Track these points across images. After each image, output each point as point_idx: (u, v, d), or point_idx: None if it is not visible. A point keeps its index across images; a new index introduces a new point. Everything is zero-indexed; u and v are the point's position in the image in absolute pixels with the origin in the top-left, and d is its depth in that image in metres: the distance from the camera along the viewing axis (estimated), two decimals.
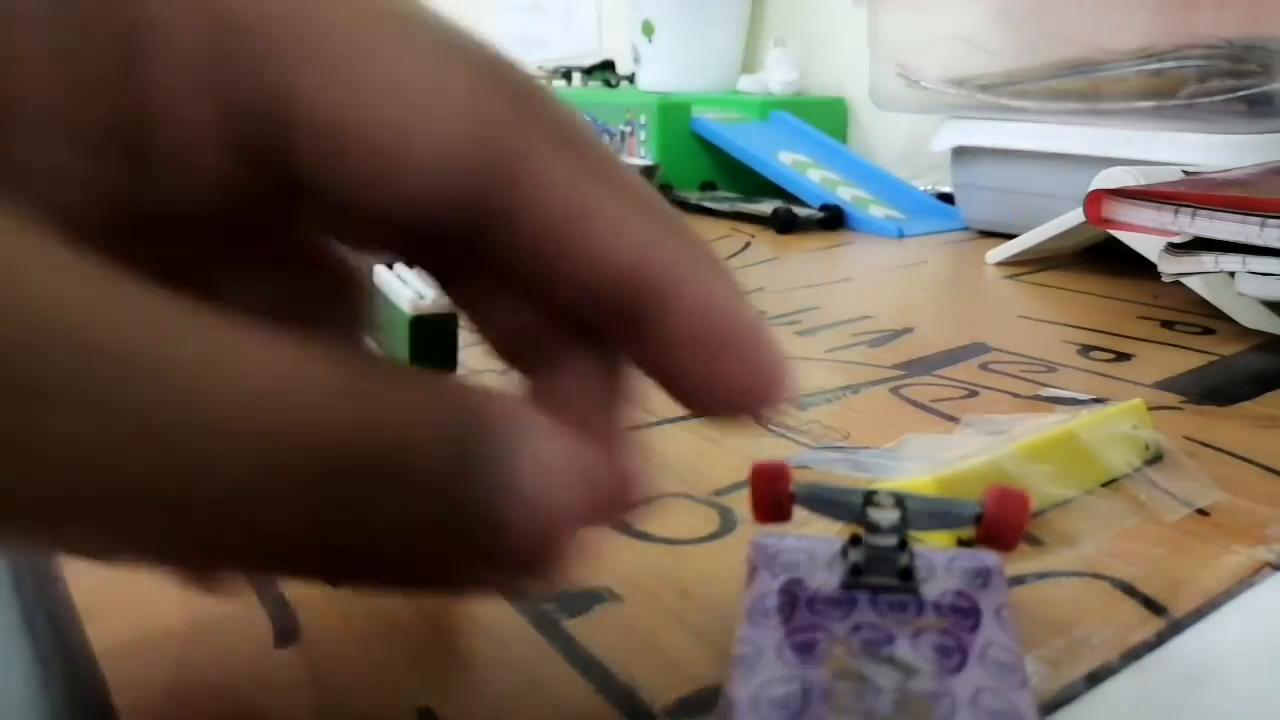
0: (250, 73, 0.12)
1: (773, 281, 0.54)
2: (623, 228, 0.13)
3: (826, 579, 0.16)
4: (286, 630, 0.20)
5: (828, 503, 0.17)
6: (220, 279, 0.15)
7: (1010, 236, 0.60)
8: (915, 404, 0.34)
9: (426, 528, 0.11)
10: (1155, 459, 0.28)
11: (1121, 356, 0.40)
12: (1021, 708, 0.13)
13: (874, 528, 0.16)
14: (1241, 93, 0.54)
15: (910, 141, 0.91)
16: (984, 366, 0.38)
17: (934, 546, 0.17)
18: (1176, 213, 0.40)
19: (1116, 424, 0.27)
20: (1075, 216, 0.50)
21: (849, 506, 0.17)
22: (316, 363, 0.11)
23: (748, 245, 0.65)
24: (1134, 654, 0.19)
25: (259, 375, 0.10)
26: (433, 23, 0.13)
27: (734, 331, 0.14)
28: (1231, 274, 0.40)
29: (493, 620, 0.20)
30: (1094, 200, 0.44)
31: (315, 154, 0.12)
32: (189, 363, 0.10)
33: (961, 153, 0.69)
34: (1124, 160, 0.52)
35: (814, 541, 0.17)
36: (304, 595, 0.21)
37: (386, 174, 0.12)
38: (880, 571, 0.16)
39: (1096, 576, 0.22)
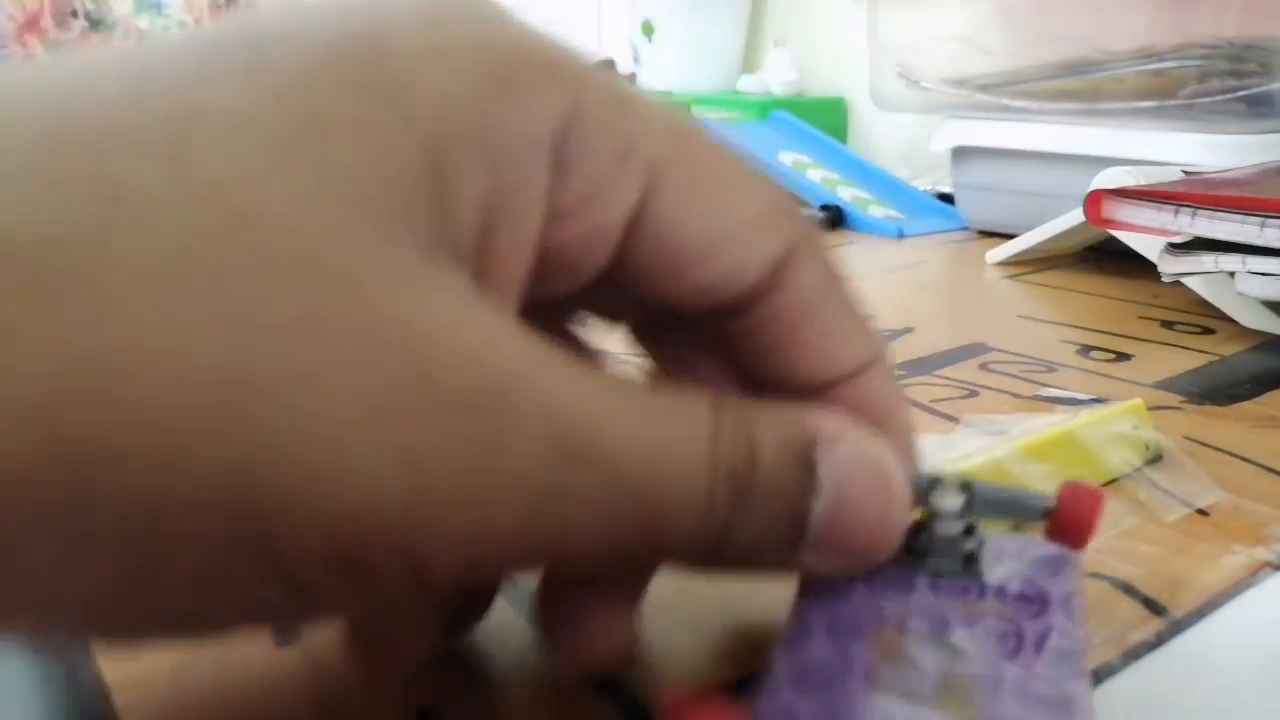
0: (640, 192, 0.14)
1: None
2: (840, 330, 0.16)
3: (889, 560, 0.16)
4: (286, 630, 0.20)
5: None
6: None
7: (1010, 236, 0.60)
8: (915, 404, 0.34)
9: (776, 533, 0.14)
10: (1155, 459, 0.28)
11: (1121, 356, 0.40)
12: (1075, 696, 0.13)
13: (938, 513, 0.16)
14: (1241, 93, 0.54)
15: (910, 141, 0.91)
16: (984, 366, 0.38)
17: (1005, 531, 0.17)
18: (1176, 213, 0.40)
19: (1116, 424, 0.27)
20: (1075, 216, 0.50)
21: (914, 490, 0.16)
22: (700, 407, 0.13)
23: None
24: (1134, 654, 0.19)
25: (668, 438, 0.13)
26: (746, 160, 0.16)
27: (897, 421, 0.17)
28: (1231, 274, 0.40)
29: (493, 620, 0.20)
30: (1094, 200, 0.44)
31: (650, 248, 0.15)
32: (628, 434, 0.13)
33: (961, 153, 0.69)
34: (1124, 160, 0.52)
35: None
36: None
37: (715, 280, 0.15)
38: (943, 556, 0.16)
39: (1096, 576, 0.22)
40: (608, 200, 0.14)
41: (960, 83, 0.68)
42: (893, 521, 0.14)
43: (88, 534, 0.10)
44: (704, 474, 0.13)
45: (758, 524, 0.13)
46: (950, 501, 0.16)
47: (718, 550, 0.13)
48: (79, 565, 0.10)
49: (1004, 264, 0.59)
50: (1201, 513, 0.25)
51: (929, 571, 0.16)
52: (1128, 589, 0.21)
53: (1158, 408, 0.32)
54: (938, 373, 0.37)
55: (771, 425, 0.14)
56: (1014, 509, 0.17)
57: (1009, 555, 0.16)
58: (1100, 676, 0.18)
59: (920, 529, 0.16)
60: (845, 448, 0.14)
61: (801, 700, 0.13)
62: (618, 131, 0.14)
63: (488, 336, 0.12)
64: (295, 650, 0.19)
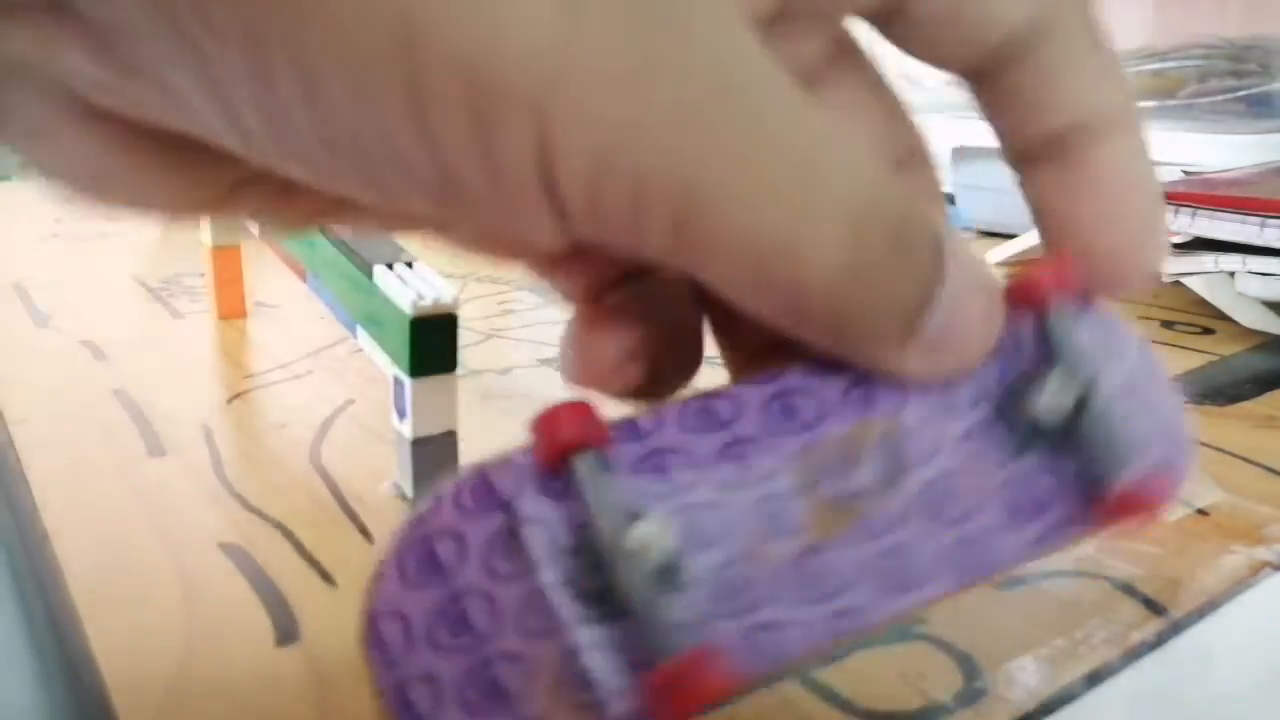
0: None
1: None
2: (1092, 74, 0.15)
3: (995, 372, 0.15)
4: (286, 630, 0.20)
5: (1066, 342, 0.15)
6: None
7: (1010, 236, 0.60)
8: None
9: (902, 303, 0.13)
10: None
11: None
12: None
13: (1042, 402, 0.14)
14: (1241, 93, 0.54)
15: None
16: None
17: None
18: (1176, 213, 0.40)
19: None
20: None
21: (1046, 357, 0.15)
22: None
23: None
24: (1134, 654, 0.19)
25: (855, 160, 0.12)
26: None
27: (1135, 202, 0.15)
28: (1231, 274, 0.40)
29: None
30: None
31: None
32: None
33: (961, 153, 0.69)
34: None
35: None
36: (304, 595, 0.21)
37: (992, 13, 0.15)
38: (1009, 423, 0.14)
39: (1096, 576, 0.22)
40: None
41: (960, 83, 0.68)
42: (991, 333, 0.14)
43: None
44: (881, 205, 0.12)
45: (891, 291, 0.13)
46: (1053, 398, 0.14)
47: (841, 306, 0.12)
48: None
49: (1004, 264, 0.59)
50: (1201, 513, 0.25)
51: (995, 410, 0.14)
52: (1128, 589, 0.21)
53: None
54: None
55: (931, 212, 0.14)
56: (1111, 449, 0.14)
57: (1070, 469, 0.14)
58: (1100, 676, 0.18)
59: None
60: (962, 262, 0.13)
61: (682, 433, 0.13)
62: None
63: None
64: (295, 650, 0.19)
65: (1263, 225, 0.38)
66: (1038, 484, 0.14)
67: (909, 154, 0.17)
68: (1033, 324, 0.15)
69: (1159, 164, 0.51)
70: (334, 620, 0.20)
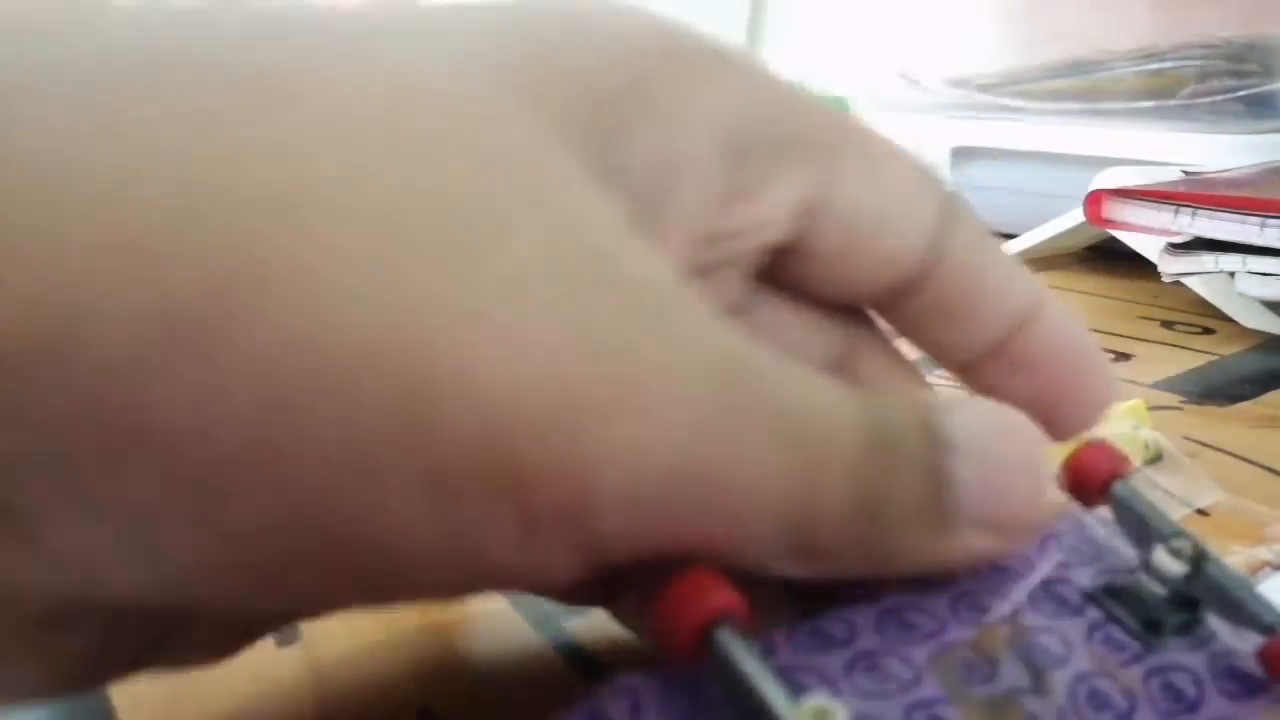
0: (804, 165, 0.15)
1: None
2: (1006, 274, 0.16)
3: (1086, 574, 0.15)
4: (287, 630, 0.20)
5: (1129, 514, 0.16)
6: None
7: (1010, 236, 0.60)
8: None
9: (918, 497, 0.13)
10: (1155, 459, 0.28)
11: (1121, 356, 0.40)
12: None
13: (1148, 566, 0.15)
14: (1241, 93, 0.54)
15: (910, 142, 0.91)
16: None
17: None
18: (1176, 213, 0.40)
19: (1116, 424, 0.27)
20: (1075, 216, 0.50)
21: (1145, 530, 0.15)
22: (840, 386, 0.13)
23: None
24: None
25: (830, 401, 0.13)
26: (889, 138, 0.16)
27: (1089, 347, 0.17)
28: (1231, 274, 0.40)
29: (493, 620, 0.20)
30: (1094, 200, 0.44)
31: (824, 231, 0.15)
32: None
33: (961, 153, 0.69)
34: (1124, 160, 0.52)
35: (1115, 550, 0.16)
36: None
37: (892, 251, 0.16)
38: (1129, 607, 0.15)
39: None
40: (778, 189, 0.14)
41: (960, 83, 0.68)
42: (1042, 478, 0.14)
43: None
44: (853, 426, 0.12)
45: (904, 488, 0.13)
46: (1170, 564, 0.15)
47: (868, 529, 0.13)
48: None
49: None
50: (1201, 513, 0.25)
51: (1107, 610, 0.15)
52: None
53: (1158, 408, 0.32)
54: (938, 373, 0.37)
55: (890, 397, 0.14)
56: (1238, 609, 0.14)
57: (1212, 650, 0.15)
58: None
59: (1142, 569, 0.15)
60: (968, 410, 0.14)
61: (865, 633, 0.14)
62: (785, 119, 0.15)
63: (650, 255, 0.12)
64: (295, 650, 0.19)
65: (1263, 225, 0.38)
66: (1185, 669, 0.14)
67: (864, 348, 0.18)
68: (1093, 510, 0.16)
69: (1159, 164, 0.51)
70: (334, 620, 0.20)
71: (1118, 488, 0.16)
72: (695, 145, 0.14)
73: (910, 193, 0.16)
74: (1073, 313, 0.17)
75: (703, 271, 0.15)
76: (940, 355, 0.17)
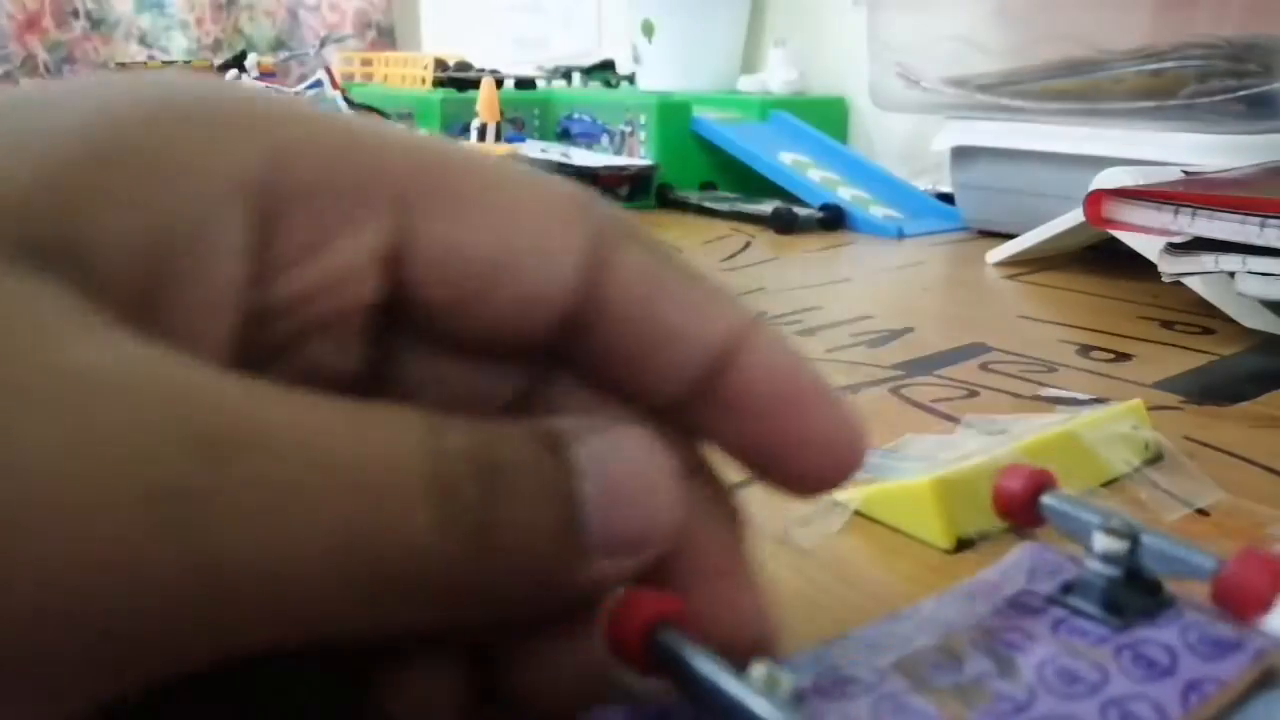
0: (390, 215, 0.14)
1: (773, 281, 0.54)
2: (694, 302, 0.15)
3: (1047, 586, 0.16)
4: None
5: (1064, 518, 0.17)
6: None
7: (1010, 236, 0.60)
8: (915, 404, 0.34)
9: (546, 525, 0.12)
10: (1155, 459, 0.28)
11: (1121, 356, 0.40)
12: None
13: (1092, 552, 0.16)
14: (1241, 93, 0.54)
15: (910, 141, 0.91)
16: (984, 366, 0.38)
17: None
18: (1176, 213, 0.40)
19: (1116, 424, 0.27)
20: (1075, 216, 0.50)
21: (1082, 525, 0.16)
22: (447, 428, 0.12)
23: (748, 245, 0.65)
24: None
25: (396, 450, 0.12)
26: (526, 170, 0.15)
27: (809, 382, 0.15)
28: (1231, 274, 0.40)
29: None
30: (1094, 200, 0.44)
31: (432, 281, 0.14)
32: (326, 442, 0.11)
33: (961, 153, 0.69)
34: (1124, 160, 0.52)
35: (1077, 561, 0.17)
36: None
37: (523, 296, 0.14)
38: (1083, 596, 0.16)
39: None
40: (346, 242, 0.13)
41: (960, 83, 0.68)
42: (660, 495, 0.13)
43: None
44: (414, 457, 0.12)
45: (522, 515, 0.12)
46: (1111, 544, 0.16)
47: (482, 560, 0.12)
48: None
49: (1004, 264, 0.59)
50: (1201, 512, 0.25)
51: (1069, 607, 0.16)
52: None
53: (1158, 408, 0.32)
54: (938, 373, 0.37)
55: (511, 428, 0.13)
56: (1178, 565, 0.16)
57: (1182, 622, 0.15)
58: None
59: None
60: (599, 436, 0.13)
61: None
62: (346, 168, 0.13)
63: (105, 350, 0.11)
64: None
65: (1263, 225, 0.38)
66: (1155, 642, 0.15)
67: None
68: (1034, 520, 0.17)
69: (1159, 164, 0.51)
70: None
71: (1045, 500, 0.17)
72: (206, 211, 0.12)
73: (542, 226, 0.14)
74: (786, 342, 0.15)
75: (292, 340, 0.13)
76: (639, 399, 0.15)
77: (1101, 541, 0.16)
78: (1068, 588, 0.16)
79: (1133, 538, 0.16)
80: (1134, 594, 0.16)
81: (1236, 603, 0.15)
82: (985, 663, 0.14)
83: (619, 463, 0.13)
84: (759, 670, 0.12)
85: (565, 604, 0.13)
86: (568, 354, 0.15)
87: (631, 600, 0.13)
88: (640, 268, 0.15)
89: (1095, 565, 0.16)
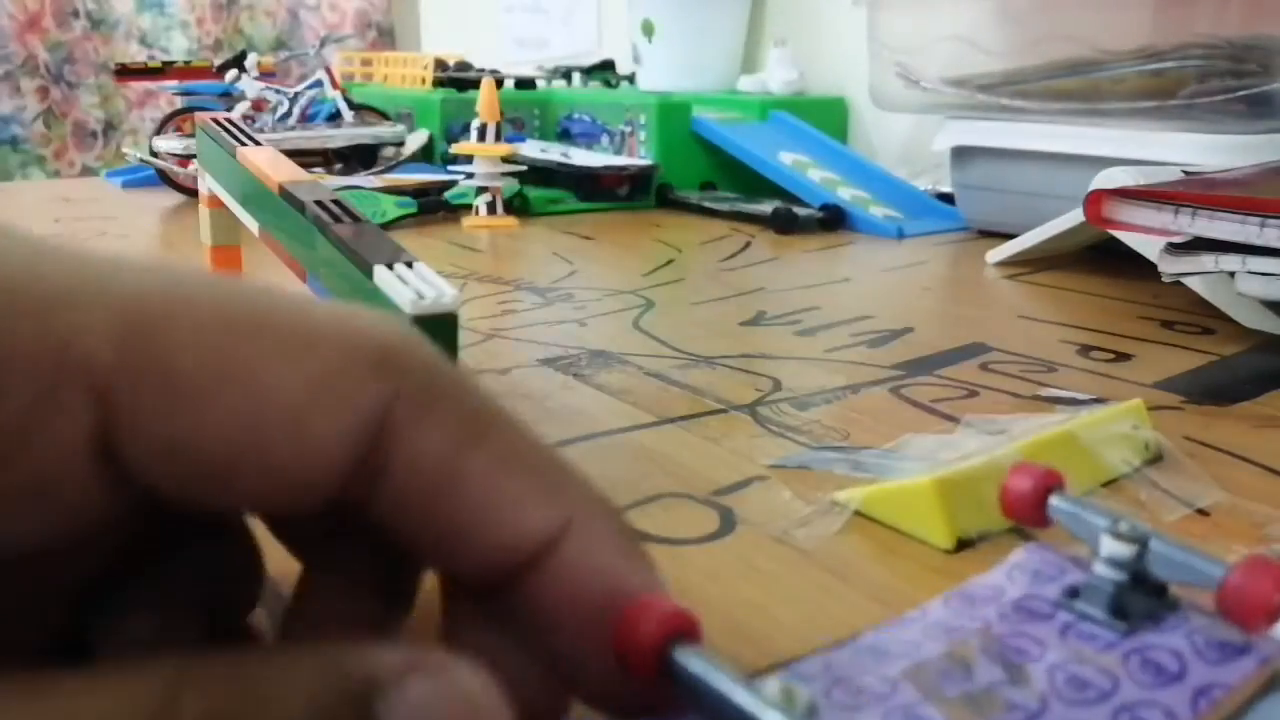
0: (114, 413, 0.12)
1: (773, 281, 0.54)
2: (498, 498, 0.13)
3: (1053, 589, 0.16)
4: None
5: (1073, 520, 0.17)
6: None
7: (1010, 236, 0.60)
8: (915, 404, 0.34)
9: None
10: (1155, 459, 0.28)
11: (1121, 356, 0.40)
12: None
13: (1100, 557, 0.16)
14: (1241, 93, 0.54)
15: (910, 141, 0.91)
16: (984, 366, 0.38)
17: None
18: (1176, 213, 0.40)
19: (1116, 424, 0.27)
20: (1075, 216, 0.50)
21: (1090, 528, 0.16)
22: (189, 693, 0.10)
23: (748, 245, 0.65)
24: None
25: None
26: (287, 316, 0.12)
27: (618, 599, 0.13)
28: (1231, 274, 0.40)
29: None
30: (1094, 200, 0.44)
31: (158, 473, 0.12)
32: None
33: (961, 153, 0.69)
34: (1124, 160, 0.52)
35: (1079, 563, 0.17)
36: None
37: (284, 484, 0.12)
38: (1089, 601, 0.16)
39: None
40: (38, 438, 0.11)
41: (960, 83, 0.68)
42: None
43: None
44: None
45: None
46: (1119, 549, 0.16)
47: None
48: None
49: (1004, 264, 0.59)
50: (1201, 512, 0.25)
51: (1076, 611, 0.16)
52: None
53: (1158, 408, 0.32)
54: (938, 373, 0.37)
55: (296, 679, 0.11)
56: (1185, 571, 0.16)
57: (1188, 626, 0.15)
58: None
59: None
60: (418, 682, 0.11)
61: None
62: (38, 351, 0.11)
63: None
64: None
65: (1263, 225, 0.38)
66: (1163, 647, 0.15)
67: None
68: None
69: (1159, 164, 0.51)
70: None
71: (1054, 502, 0.17)
72: None
73: (304, 400, 0.12)
74: (615, 539, 0.13)
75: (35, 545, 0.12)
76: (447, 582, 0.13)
77: (1109, 545, 0.16)
78: (1074, 592, 0.16)
79: (1141, 542, 0.16)
80: (1140, 598, 0.16)
81: (1242, 613, 0.15)
82: (995, 670, 0.14)
83: (445, 713, 0.11)
84: (774, 685, 0.12)
85: None
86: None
87: (642, 613, 0.13)
88: (436, 450, 0.12)
89: (1102, 569, 0.16)
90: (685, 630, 0.13)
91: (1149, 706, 0.14)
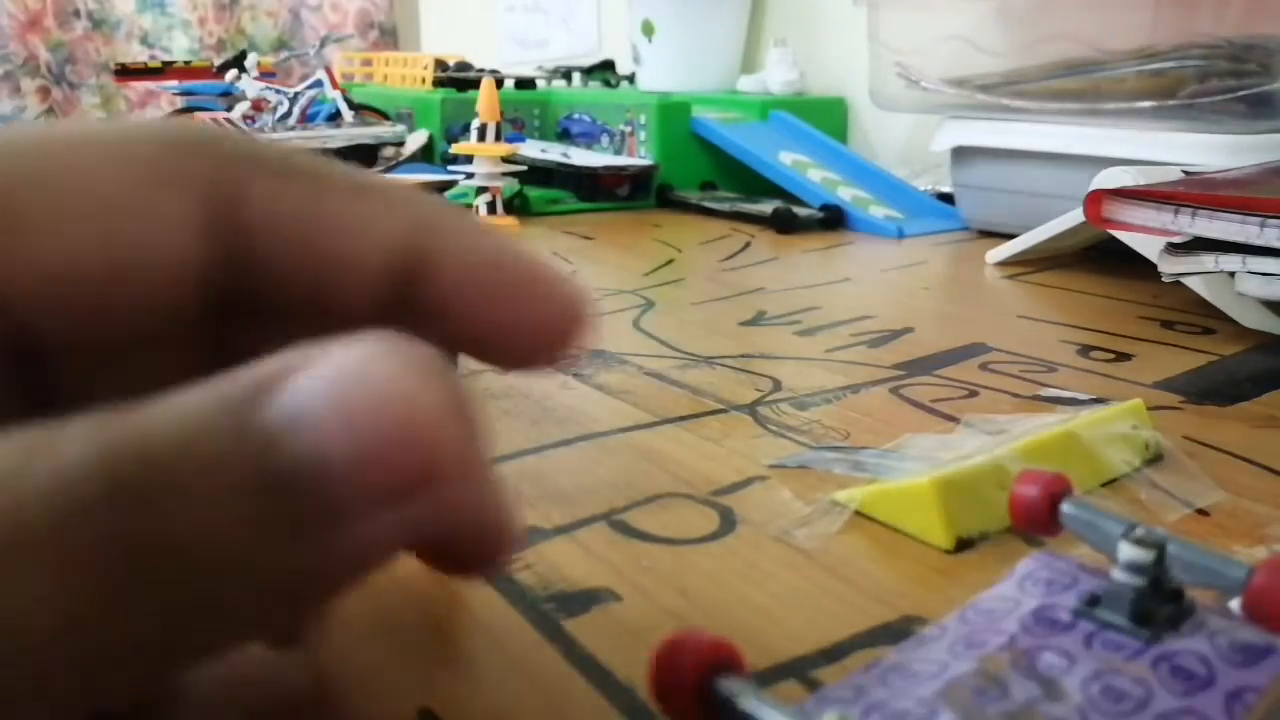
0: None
1: (773, 281, 0.54)
2: (365, 220, 0.14)
3: (1070, 597, 0.16)
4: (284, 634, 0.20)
5: (1086, 526, 0.17)
6: None
7: (1010, 236, 0.60)
8: (915, 404, 0.34)
9: (250, 530, 0.10)
10: (1155, 459, 0.28)
11: (1121, 356, 0.40)
12: None
13: (1118, 563, 0.16)
14: (1241, 93, 0.54)
15: (910, 141, 0.91)
16: (984, 366, 0.38)
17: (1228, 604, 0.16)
18: (1176, 213, 0.40)
19: (1116, 424, 0.27)
20: (1075, 216, 0.50)
21: (1104, 534, 0.16)
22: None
23: (748, 245, 0.65)
24: None
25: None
26: (105, 132, 0.13)
27: (509, 266, 0.14)
28: (1231, 274, 0.40)
29: (493, 620, 0.20)
30: (1094, 200, 0.44)
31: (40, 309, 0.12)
32: None
33: (961, 153, 0.69)
34: (1124, 160, 0.52)
35: (1089, 569, 0.17)
36: None
37: (119, 291, 0.13)
38: (1110, 608, 0.15)
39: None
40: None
41: (960, 83, 0.68)
42: (439, 420, 0.10)
43: None
44: (33, 495, 0.09)
45: (195, 523, 0.09)
46: (1135, 554, 0.15)
47: (148, 601, 0.09)
48: None
49: (1004, 264, 0.59)
50: (1201, 513, 0.25)
51: (1098, 620, 0.15)
52: None
53: (1158, 408, 0.32)
54: (938, 373, 0.37)
55: (172, 401, 0.10)
56: (1205, 574, 0.15)
57: (1208, 629, 0.15)
58: None
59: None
60: (318, 367, 0.10)
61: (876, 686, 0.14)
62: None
63: None
64: (295, 650, 0.19)
65: (1263, 225, 0.38)
66: (1189, 652, 0.15)
67: None
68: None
69: (1159, 164, 0.51)
70: (334, 620, 0.20)
71: (1065, 507, 0.17)
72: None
73: (125, 191, 0.13)
74: (478, 232, 0.14)
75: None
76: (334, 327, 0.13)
77: (1128, 551, 0.15)
78: (1094, 600, 0.16)
79: (1159, 547, 0.16)
80: (1160, 603, 0.15)
81: (1269, 614, 0.15)
82: (1030, 686, 0.14)
83: (353, 395, 0.10)
84: (831, 716, 0.12)
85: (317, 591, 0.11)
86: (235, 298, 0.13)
87: (680, 646, 0.13)
88: (285, 198, 0.13)
89: (1121, 576, 0.16)
90: (726, 659, 0.13)
91: (1186, 715, 0.14)
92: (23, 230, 0.12)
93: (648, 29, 1.01)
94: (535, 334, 0.14)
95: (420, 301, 0.14)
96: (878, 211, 0.75)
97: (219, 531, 0.09)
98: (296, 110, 0.89)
